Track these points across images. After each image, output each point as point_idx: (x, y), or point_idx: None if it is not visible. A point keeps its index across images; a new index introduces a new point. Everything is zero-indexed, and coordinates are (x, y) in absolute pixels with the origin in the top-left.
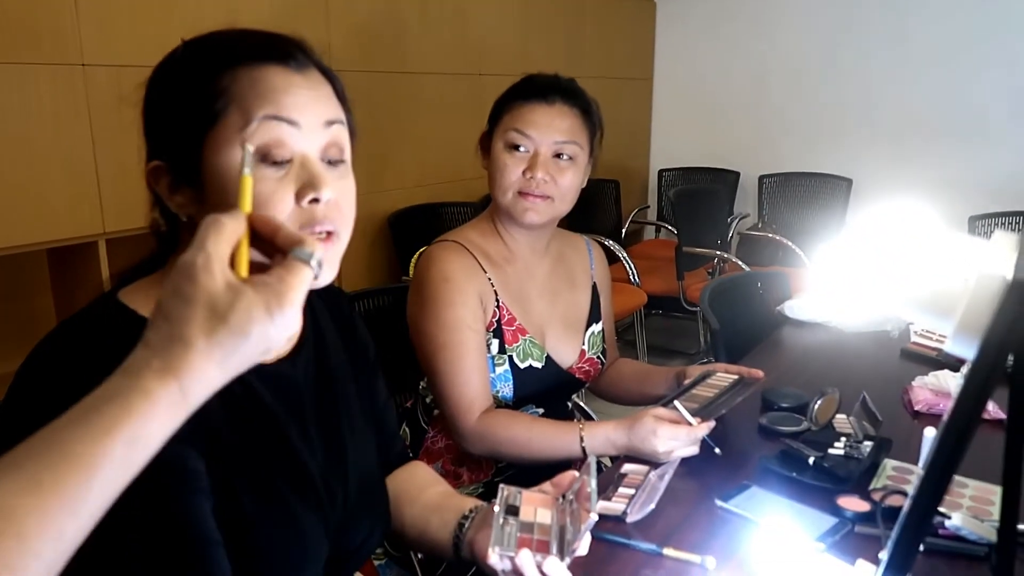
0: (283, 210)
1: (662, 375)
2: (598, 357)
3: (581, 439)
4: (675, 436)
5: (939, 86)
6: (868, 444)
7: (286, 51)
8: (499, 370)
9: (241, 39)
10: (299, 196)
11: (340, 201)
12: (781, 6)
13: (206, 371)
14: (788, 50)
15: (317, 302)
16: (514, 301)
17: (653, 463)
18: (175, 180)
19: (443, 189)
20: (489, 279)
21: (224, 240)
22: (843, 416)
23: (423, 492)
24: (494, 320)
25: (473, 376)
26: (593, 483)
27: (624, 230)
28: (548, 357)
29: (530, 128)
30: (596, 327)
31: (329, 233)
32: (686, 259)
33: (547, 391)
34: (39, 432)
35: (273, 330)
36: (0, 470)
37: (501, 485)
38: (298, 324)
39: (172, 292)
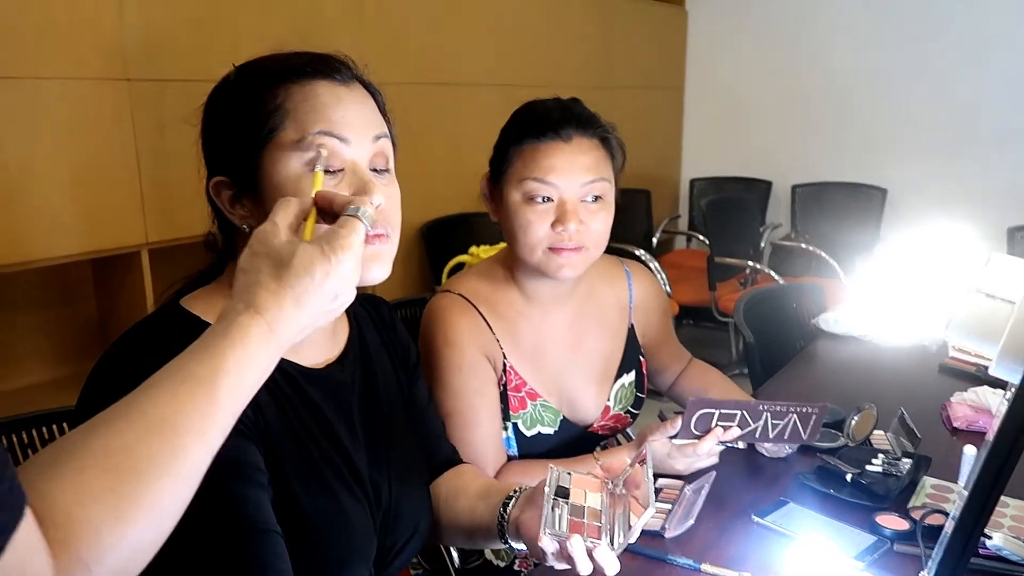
0: None
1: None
2: (627, 411)
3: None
4: (686, 454)
5: (976, 93)
6: (907, 461)
7: (332, 67)
8: (502, 435)
9: (290, 59)
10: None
11: (388, 206)
12: (814, 13)
13: (284, 308)
14: (822, 58)
15: (360, 310)
16: (525, 360)
17: (687, 478)
18: (236, 193)
19: (475, 199)
20: (497, 339)
21: (289, 212)
22: (880, 432)
23: (470, 485)
24: (500, 384)
25: (485, 442)
26: (650, 474)
27: (655, 239)
28: (563, 420)
29: (551, 175)
30: (627, 378)
31: (380, 235)
32: (718, 269)
33: (562, 453)
34: (160, 370)
35: (333, 273)
36: (137, 394)
37: (551, 465)
38: (357, 276)
39: (248, 253)
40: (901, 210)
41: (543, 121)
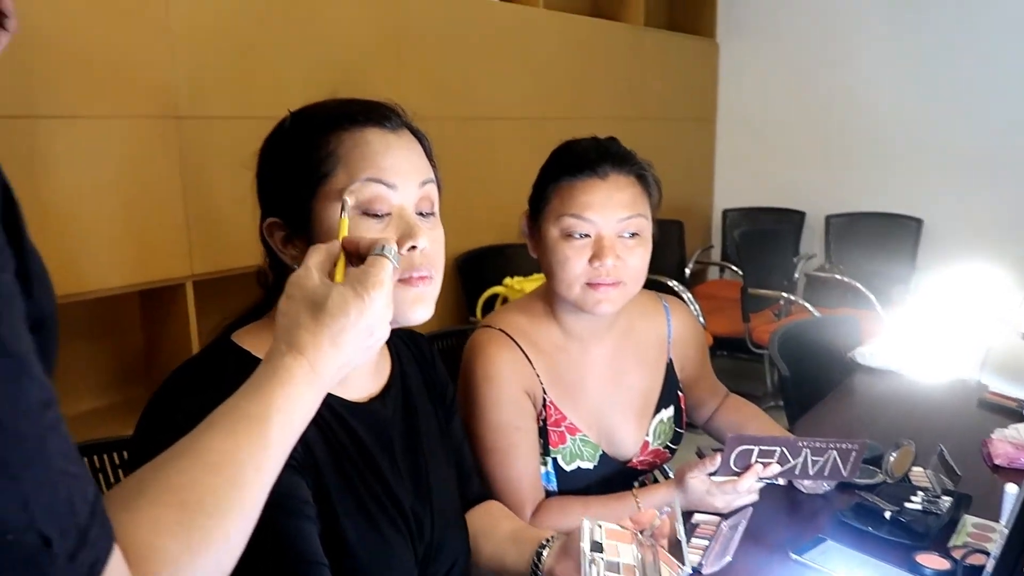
0: None
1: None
2: (665, 447)
3: (638, 508)
4: (725, 491)
5: (1013, 122)
6: (947, 499)
7: (382, 115)
8: (541, 470)
9: (343, 106)
10: (399, 244)
11: (432, 249)
12: (846, 43)
13: (322, 348)
14: (854, 87)
15: (400, 345)
16: (565, 395)
17: (725, 514)
18: (288, 234)
19: (510, 230)
20: (537, 374)
21: (320, 257)
22: (920, 469)
23: (499, 526)
24: (540, 419)
25: (523, 480)
26: (680, 529)
27: (688, 270)
28: (602, 455)
29: (588, 211)
30: (666, 413)
31: (424, 277)
32: (751, 300)
33: (601, 488)
34: (216, 410)
35: (367, 311)
36: (196, 434)
37: (584, 519)
38: (390, 312)
39: (285, 297)
40: (937, 240)
41: (580, 159)
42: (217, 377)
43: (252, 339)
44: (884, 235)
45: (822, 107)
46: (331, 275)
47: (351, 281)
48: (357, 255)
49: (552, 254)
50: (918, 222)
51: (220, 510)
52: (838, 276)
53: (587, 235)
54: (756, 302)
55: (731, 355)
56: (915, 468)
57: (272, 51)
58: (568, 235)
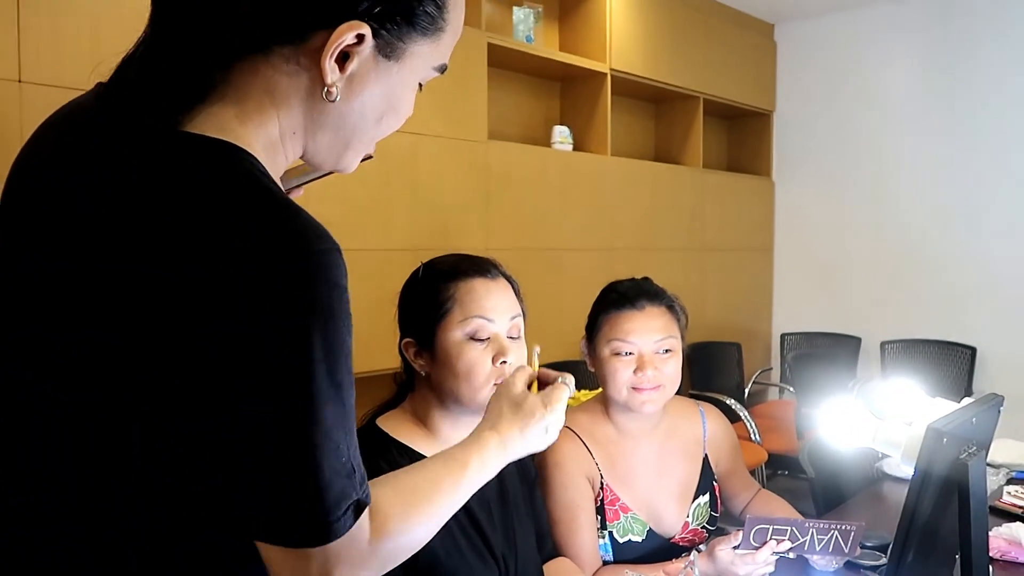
0: (486, 367)
1: None
2: (703, 527)
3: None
4: (746, 562)
5: None
6: None
7: (485, 268)
8: (599, 542)
9: (459, 262)
10: (494, 360)
11: (518, 363)
12: (895, 177)
13: (512, 433)
14: (905, 219)
15: None
16: (619, 480)
17: None
18: (419, 350)
19: (577, 349)
20: (596, 462)
21: (524, 376)
22: None
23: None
24: (598, 499)
25: (584, 547)
26: None
27: (747, 390)
28: (650, 531)
29: (630, 335)
30: (703, 499)
31: None
32: (806, 420)
33: (649, 560)
34: (442, 451)
35: (549, 416)
36: (426, 461)
37: (626, 570)
38: (562, 420)
39: (496, 396)
40: (991, 367)
41: (622, 296)
42: (365, 456)
43: (391, 423)
44: (938, 362)
45: (874, 238)
46: (527, 389)
47: (542, 395)
48: (542, 381)
49: (605, 367)
50: (971, 350)
51: (425, 503)
52: None
53: (631, 353)
54: (811, 422)
55: (792, 475)
56: None
57: (384, 199)
58: (616, 353)
